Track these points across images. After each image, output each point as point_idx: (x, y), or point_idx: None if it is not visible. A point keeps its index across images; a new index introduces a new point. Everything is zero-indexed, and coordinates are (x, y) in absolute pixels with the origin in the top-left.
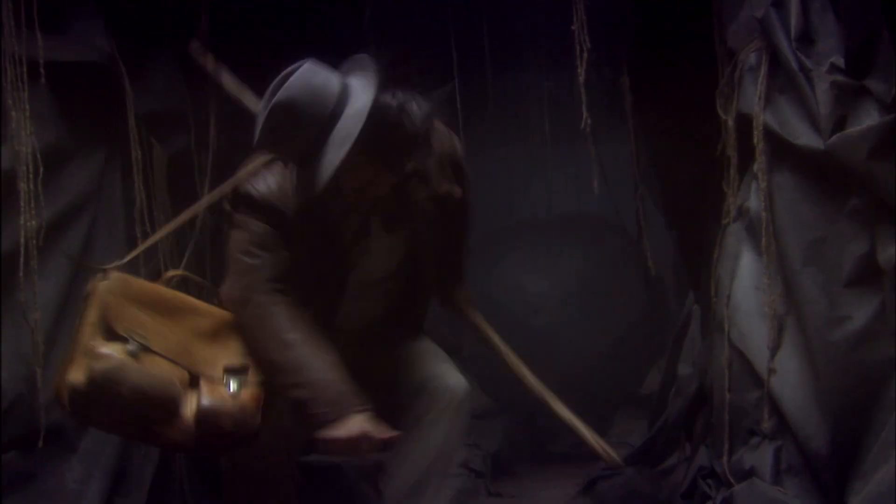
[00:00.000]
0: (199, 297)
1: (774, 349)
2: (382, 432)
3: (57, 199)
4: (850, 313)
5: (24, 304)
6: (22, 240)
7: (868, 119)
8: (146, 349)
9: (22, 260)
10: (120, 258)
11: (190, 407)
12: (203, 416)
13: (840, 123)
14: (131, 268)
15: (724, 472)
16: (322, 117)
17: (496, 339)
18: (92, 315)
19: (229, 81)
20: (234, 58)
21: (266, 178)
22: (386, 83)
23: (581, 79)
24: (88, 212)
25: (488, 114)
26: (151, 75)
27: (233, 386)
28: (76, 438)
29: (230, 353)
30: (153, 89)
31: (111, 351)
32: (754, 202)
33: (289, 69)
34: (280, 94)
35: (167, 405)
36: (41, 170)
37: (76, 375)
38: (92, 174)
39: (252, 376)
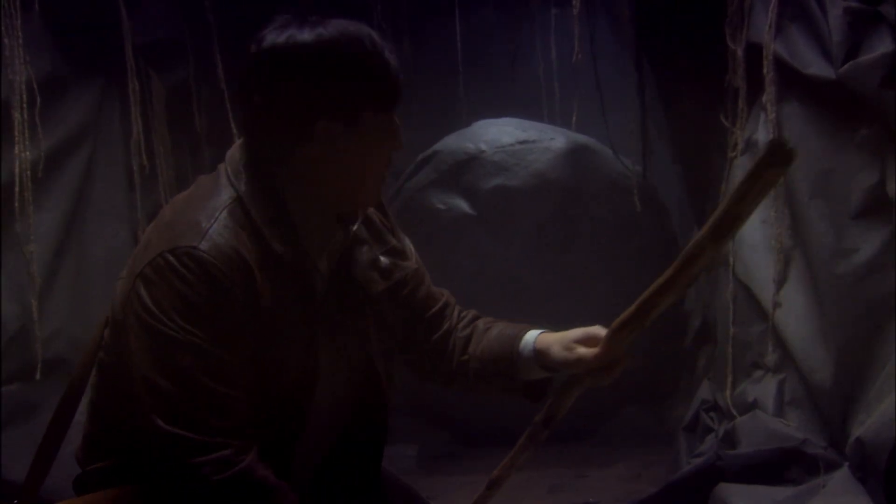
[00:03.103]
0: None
1: (780, 282)
2: None
3: (55, 131)
4: (857, 245)
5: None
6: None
7: (882, 47)
8: None
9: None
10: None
11: None
12: None
13: (853, 52)
14: (129, 205)
15: (727, 405)
16: None
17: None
18: None
19: None
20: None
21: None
22: None
23: (575, 10)
24: (87, 143)
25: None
26: (149, 4)
27: None
28: None
29: None
30: (151, 19)
31: None
32: (762, 134)
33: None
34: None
35: None
36: (38, 100)
37: None
38: (89, 106)
39: None
